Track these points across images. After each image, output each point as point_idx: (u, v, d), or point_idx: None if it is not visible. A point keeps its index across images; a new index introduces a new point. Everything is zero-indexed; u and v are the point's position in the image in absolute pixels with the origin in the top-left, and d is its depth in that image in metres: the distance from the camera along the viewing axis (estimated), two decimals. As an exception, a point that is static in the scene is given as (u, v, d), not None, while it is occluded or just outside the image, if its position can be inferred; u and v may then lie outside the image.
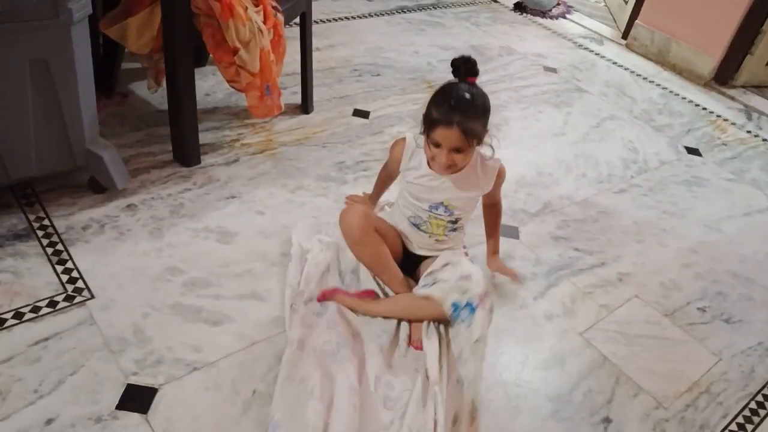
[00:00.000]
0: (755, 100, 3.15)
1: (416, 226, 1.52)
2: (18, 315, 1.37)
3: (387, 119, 2.35)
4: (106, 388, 1.25)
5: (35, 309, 1.38)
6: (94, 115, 1.61)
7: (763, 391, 1.57)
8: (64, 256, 1.53)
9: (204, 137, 2.00)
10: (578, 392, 1.45)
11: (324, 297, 1.48)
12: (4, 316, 1.35)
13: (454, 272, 1.42)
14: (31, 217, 1.62)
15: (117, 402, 1.23)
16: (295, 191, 1.89)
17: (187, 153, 1.88)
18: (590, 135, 2.53)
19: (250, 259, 1.62)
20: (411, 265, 1.58)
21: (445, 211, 1.48)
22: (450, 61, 1.37)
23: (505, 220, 1.95)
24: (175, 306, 1.46)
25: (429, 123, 1.32)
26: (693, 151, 2.58)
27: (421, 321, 1.45)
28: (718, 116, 2.93)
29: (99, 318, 1.39)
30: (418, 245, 1.55)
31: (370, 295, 1.52)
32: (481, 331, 1.38)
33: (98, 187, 1.70)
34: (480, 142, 1.37)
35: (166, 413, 1.23)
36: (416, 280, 1.54)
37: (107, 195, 1.72)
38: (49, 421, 1.18)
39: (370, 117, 2.34)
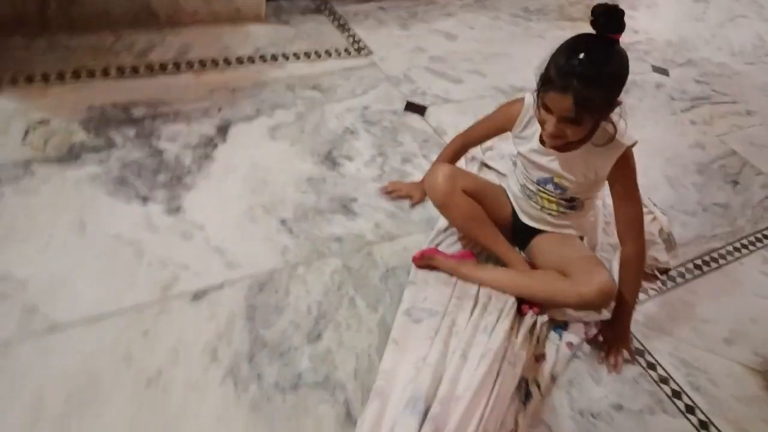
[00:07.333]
0: None
1: (527, 195, 1.34)
2: (327, 53, 1.98)
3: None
4: (383, 101, 1.85)
5: (337, 53, 2.00)
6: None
7: None
8: (347, 27, 2.13)
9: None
10: (714, 165, 1.97)
11: (421, 258, 1.34)
12: (318, 53, 1.97)
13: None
14: (317, 2, 2.23)
15: (403, 107, 1.83)
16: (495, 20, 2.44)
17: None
18: (725, 24, 2.96)
19: (470, 57, 2.19)
20: (521, 236, 1.39)
21: (555, 188, 1.27)
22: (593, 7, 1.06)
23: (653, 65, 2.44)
24: (426, 68, 2.05)
25: (544, 81, 1.09)
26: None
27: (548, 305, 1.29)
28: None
29: (380, 64, 1.99)
30: (528, 215, 1.36)
31: (469, 257, 1.36)
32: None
33: (360, -10, 2.29)
34: (600, 117, 1.12)
35: (437, 119, 1.82)
36: (528, 261, 1.37)
37: (364, -3, 2.33)
38: (365, 108, 1.79)
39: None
